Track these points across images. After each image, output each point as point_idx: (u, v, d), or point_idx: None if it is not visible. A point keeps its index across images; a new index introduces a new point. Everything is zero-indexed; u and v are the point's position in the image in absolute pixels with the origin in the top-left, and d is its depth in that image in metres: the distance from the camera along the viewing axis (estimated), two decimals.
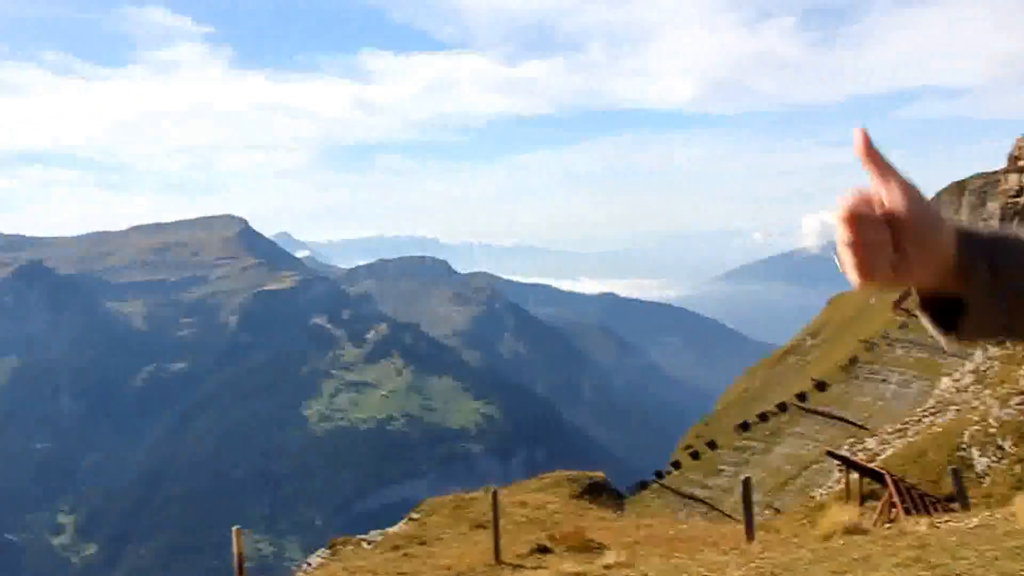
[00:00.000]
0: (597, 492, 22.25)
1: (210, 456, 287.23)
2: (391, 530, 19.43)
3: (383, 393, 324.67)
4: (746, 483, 12.09)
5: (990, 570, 7.43)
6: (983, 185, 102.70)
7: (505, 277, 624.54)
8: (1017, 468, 34.03)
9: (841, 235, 1.54)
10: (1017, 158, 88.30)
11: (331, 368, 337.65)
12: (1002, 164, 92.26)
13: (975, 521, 9.66)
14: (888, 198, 1.52)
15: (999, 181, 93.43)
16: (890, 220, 1.51)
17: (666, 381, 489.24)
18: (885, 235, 1.50)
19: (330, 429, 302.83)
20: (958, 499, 16.71)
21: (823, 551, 9.53)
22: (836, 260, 1.58)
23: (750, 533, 12.13)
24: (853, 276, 1.57)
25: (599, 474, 23.58)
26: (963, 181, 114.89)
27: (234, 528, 15.27)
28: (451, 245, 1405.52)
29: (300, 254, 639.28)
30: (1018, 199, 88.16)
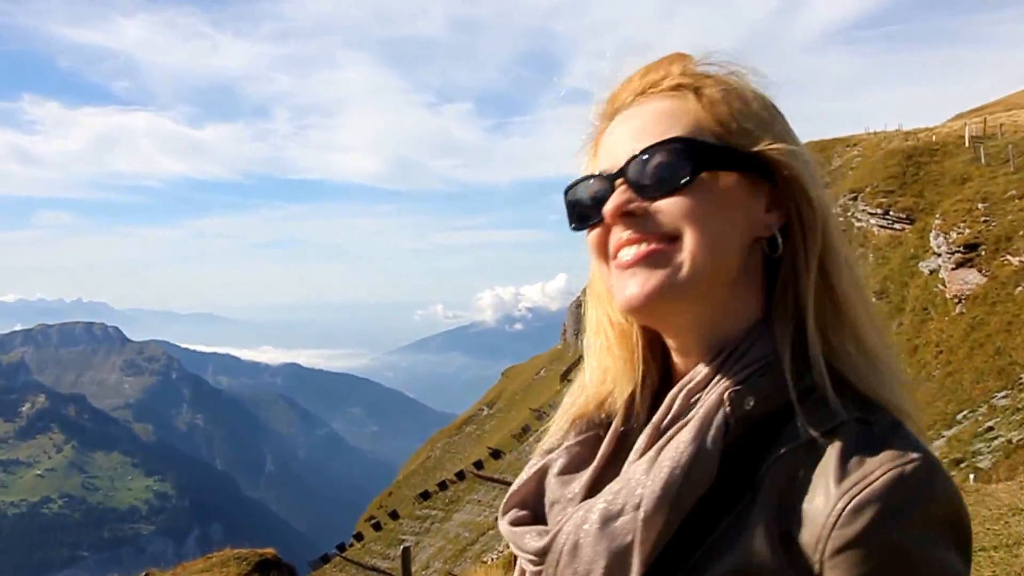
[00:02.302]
0: (267, 569, 21.63)
1: None
2: None
3: (38, 472, 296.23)
4: (405, 552, 13.04)
5: None
6: None
7: (183, 345, 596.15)
8: None
9: None
10: None
11: None
12: None
13: None
14: None
15: None
16: None
17: (349, 451, 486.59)
18: None
19: None
20: None
21: None
22: None
23: None
24: None
25: (269, 550, 23.13)
26: None
27: None
28: (123, 311, 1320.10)
29: None
30: None
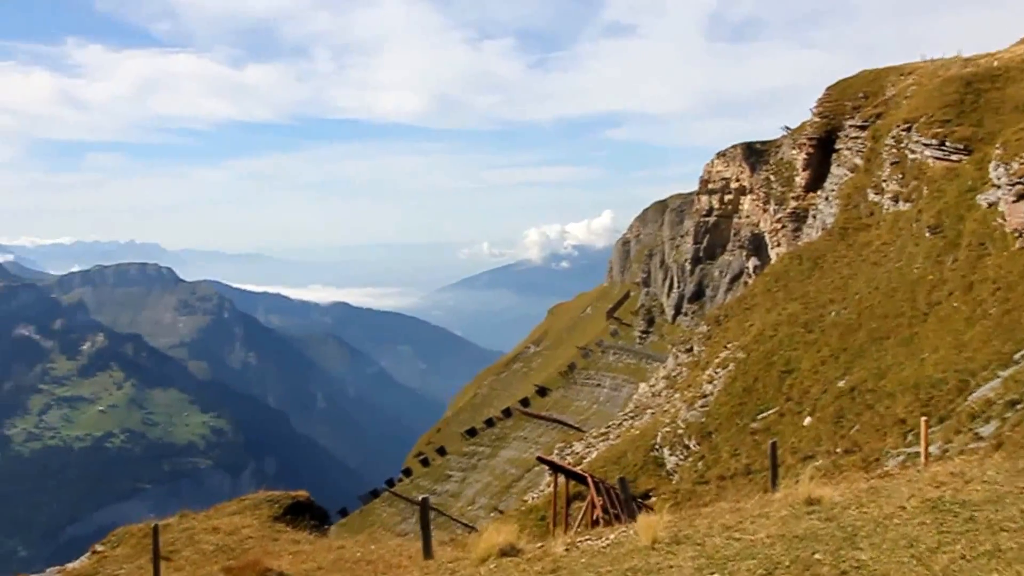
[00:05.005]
0: (299, 512, 21.42)
1: None
2: (70, 566, 18.09)
3: (100, 408, 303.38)
4: (423, 503, 12.36)
5: None
6: (681, 204, 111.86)
7: (234, 285, 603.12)
8: (700, 464, 37.07)
9: None
10: (706, 181, 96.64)
11: (39, 383, 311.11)
12: (695, 186, 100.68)
13: (611, 538, 10.47)
14: None
15: (693, 201, 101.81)
16: None
17: (397, 389, 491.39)
18: None
19: (38, 449, 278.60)
20: (625, 508, 18.08)
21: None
22: None
23: (427, 553, 12.39)
24: None
25: (302, 493, 22.82)
26: (665, 200, 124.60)
27: None
28: (175, 252, 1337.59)
29: (1, 258, 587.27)
30: (708, 218, 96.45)
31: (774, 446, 14.33)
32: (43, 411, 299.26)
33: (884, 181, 52.04)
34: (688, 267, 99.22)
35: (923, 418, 16.81)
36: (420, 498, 12.70)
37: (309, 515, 21.88)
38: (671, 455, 42.36)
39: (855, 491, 10.68)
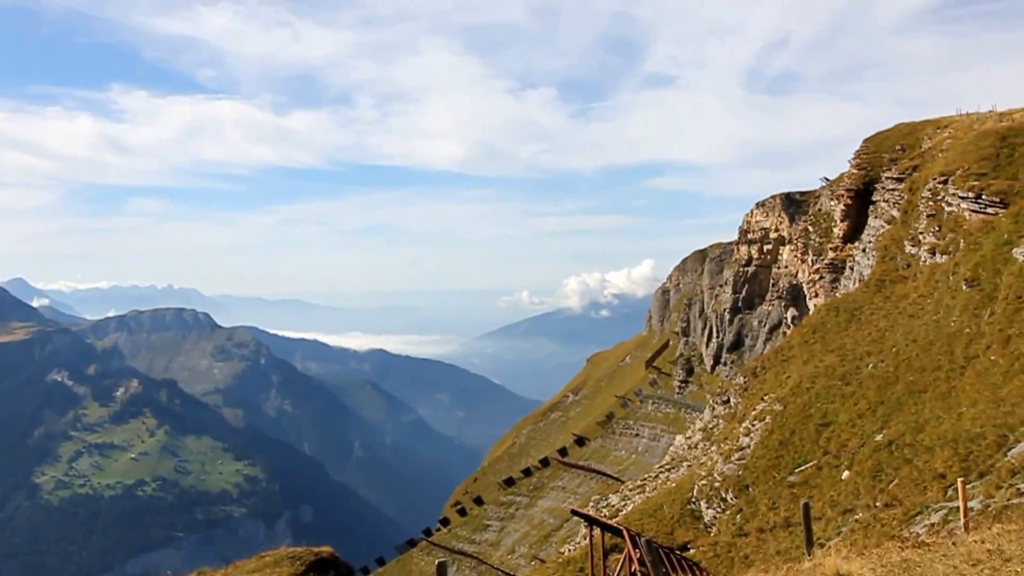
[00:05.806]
0: (323, 569, 21.20)
1: None
2: None
3: (132, 456, 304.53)
4: (440, 567, 12.60)
5: None
6: (720, 254, 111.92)
7: (271, 332, 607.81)
8: (738, 518, 36.98)
9: None
10: (746, 231, 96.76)
11: (71, 429, 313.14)
12: (735, 236, 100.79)
13: None
14: None
15: (733, 251, 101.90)
16: None
17: (435, 437, 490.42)
18: None
19: (68, 497, 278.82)
20: (653, 571, 18.32)
21: None
22: None
23: None
24: None
25: (326, 549, 22.64)
26: (704, 250, 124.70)
27: None
28: (214, 297, 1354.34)
29: (37, 303, 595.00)
30: (747, 268, 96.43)
31: (807, 507, 14.28)
32: (74, 458, 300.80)
33: (921, 233, 52.10)
34: (727, 317, 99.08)
35: (960, 479, 16.94)
36: (437, 562, 12.85)
37: (333, 571, 21.80)
38: (708, 508, 42.33)
39: (887, 565, 10.16)
